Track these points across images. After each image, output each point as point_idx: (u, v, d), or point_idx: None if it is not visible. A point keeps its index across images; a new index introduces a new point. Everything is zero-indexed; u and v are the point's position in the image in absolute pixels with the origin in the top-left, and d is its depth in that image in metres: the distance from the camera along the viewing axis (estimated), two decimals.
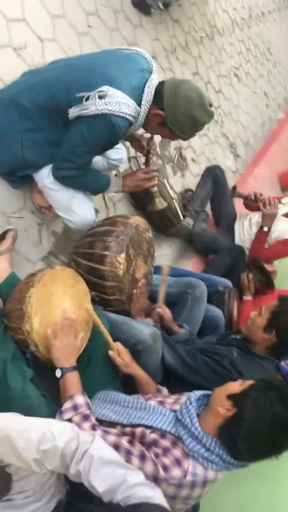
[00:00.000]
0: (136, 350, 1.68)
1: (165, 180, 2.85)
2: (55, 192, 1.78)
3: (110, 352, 1.63)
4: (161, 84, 1.67)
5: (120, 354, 1.62)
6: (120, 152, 2.15)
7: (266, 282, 2.69)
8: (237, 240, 3.00)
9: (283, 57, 6.03)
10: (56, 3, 2.40)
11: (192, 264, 2.85)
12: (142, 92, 1.63)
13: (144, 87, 1.64)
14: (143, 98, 1.63)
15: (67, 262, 2.13)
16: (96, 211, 2.33)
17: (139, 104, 1.62)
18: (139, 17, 3.12)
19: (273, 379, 1.46)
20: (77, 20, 2.52)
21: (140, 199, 2.53)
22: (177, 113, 1.66)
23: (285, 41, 6.28)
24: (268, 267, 2.82)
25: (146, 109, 1.65)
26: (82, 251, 1.87)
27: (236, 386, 1.36)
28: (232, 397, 1.33)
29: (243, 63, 4.72)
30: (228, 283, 2.47)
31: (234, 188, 3.11)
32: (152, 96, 1.65)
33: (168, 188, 2.77)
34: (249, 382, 1.37)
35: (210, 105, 1.69)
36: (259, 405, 1.29)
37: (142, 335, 1.68)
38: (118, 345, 1.63)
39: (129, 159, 2.68)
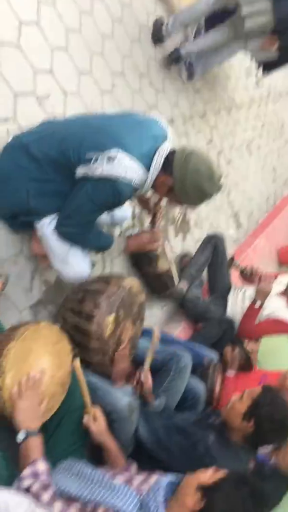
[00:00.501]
0: (110, 419, 1.61)
1: (166, 242, 2.86)
2: (53, 242, 1.77)
3: (85, 417, 1.55)
4: (172, 153, 1.69)
5: (96, 420, 1.54)
6: (125, 209, 2.15)
7: (248, 361, 2.64)
8: (229, 312, 2.97)
9: None
10: (85, 59, 2.48)
11: (181, 329, 2.80)
12: (152, 159, 1.65)
13: (154, 153, 1.66)
14: (152, 164, 1.65)
15: (54, 313, 2.09)
16: (93, 264, 2.31)
17: (148, 170, 1.64)
18: (163, 83, 3.22)
19: (247, 474, 1.39)
20: (103, 78, 2.60)
21: (138, 258, 2.52)
22: (185, 184, 1.67)
23: None
24: (251, 345, 2.77)
25: (154, 176, 1.67)
26: (71, 306, 1.83)
27: (207, 477, 1.28)
28: (202, 488, 1.25)
29: (256, 137, 4.86)
30: (214, 356, 2.41)
31: (232, 259, 3.11)
32: (161, 164, 1.67)
33: (168, 249, 2.77)
34: (222, 473, 1.29)
35: (219, 178, 1.70)
36: (230, 502, 1.21)
37: (118, 404, 1.61)
38: (96, 411, 1.56)
39: (133, 216, 2.69)
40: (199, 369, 2.28)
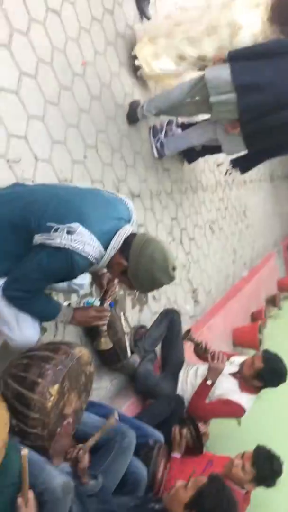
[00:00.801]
0: (42, 500, 1.50)
1: (122, 313, 2.84)
2: (1, 303, 1.72)
3: (19, 500, 1.44)
4: (132, 236, 1.72)
5: (27, 505, 1.44)
6: (83, 277, 2.15)
7: (196, 444, 2.56)
8: (179, 389, 2.92)
9: (255, 222, 6.51)
10: (60, 130, 2.57)
11: (128, 405, 2.71)
12: (112, 238, 1.67)
13: (115, 234, 1.68)
14: (110, 243, 1.67)
15: None
16: (44, 329, 2.26)
17: (105, 248, 1.65)
18: (134, 159, 3.36)
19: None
20: (75, 149, 2.69)
21: (92, 328, 2.48)
22: (138, 269, 1.69)
23: (259, 208, 6.86)
24: (202, 427, 2.71)
25: (111, 255, 1.68)
26: (15, 372, 1.76)
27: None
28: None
29: (219, 218, 5.05)
30: (160, 437, 2.33)
31: (189, 331, 3.11)
32: (120, 245, 1.69)
33: (123, 321, 2.75)
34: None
35: (174, 269, 1.73)
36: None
37: (53, 483, 1.51)
38: (30, 494, 1.46)
39: (92, 284, 2.68)
40: (143, 450, 2.19)
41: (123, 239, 1.69)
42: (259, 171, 7.08)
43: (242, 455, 2.45)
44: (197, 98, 3.18)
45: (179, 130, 3.76)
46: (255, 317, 5.16)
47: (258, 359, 2.84)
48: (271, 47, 2.92)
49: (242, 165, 3.92)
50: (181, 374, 2.96)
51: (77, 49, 2.81)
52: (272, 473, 2.39)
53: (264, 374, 2.80)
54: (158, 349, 3.07)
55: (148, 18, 3.61)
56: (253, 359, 2.87)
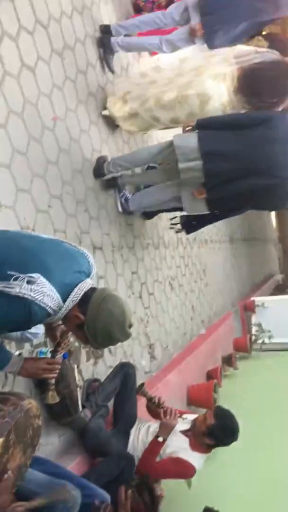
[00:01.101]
0: None
1: (76, 365, 2.79)
2: None
3: None
4: (91, 290, 1.72)
5: None
6: (38, 327, 2.11)
7: (150, 507, 2.46)
8: (130, 447, 2.84)
9: (214, 281, 6.65)
10: (26, 179, 2.62)
11: (76, 463, 2.60)
12: (72, 291, 1.67)
13: (75, 287, 1.68)
14: (70, 296, 1.66)
15: None
16: None
17: (64, 300, 1.64)
18: (98, 212, 3.43)
19: None
20: (40, 198, 2.72)
21: (42, 380, 2.41)
22: (96, 324, 1.69)
23: (218, 269, 7.03)
24: (157, 488, 2.62)
25: (69, 307, 1.67)
26: None
27: None
28: None
29: (179, 275, 5.13)
30: (107, 497, 2.24)
31: (142, 385, 3.07)
32: (79, 298, 1.69)
33: (76, 373, 2.69)
34: None
35: (130, 326, 1.75)
36: None
37: None
38: None
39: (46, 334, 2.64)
40: (89, 511, 2.09)
41: (82, 292, 1.69)
42: (219, 232, 7.33)
43: None
44: (166, 163, 3.35)
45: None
46: (211, 375, 5.15)
47: (210, 416, 2.82)
48: (241, 119, 3.13)
49: (190, 225, 4.07)
50: (133, 431, 2.89)
51: (49, 104, 2.91)
52: None
53: (215, 431, 2.77)
54: (110, 404, 3.01)
55: (112, 72, 3.79)
56: (205, 415, 2.85)
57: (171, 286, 4.84)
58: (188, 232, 4.21)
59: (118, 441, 2.79)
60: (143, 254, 4.18)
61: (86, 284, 1.71)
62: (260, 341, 7.07)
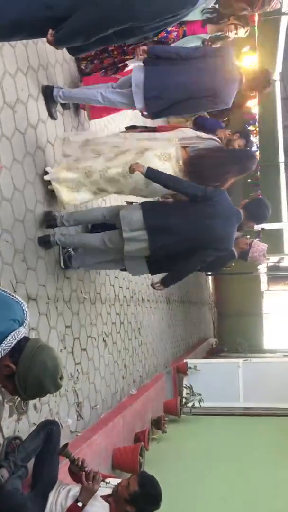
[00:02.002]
0: None
1: None
2: None
3: None
4: (25, 340, 1.70)
5: None
6: None
7: None
8: (47, 511, 2.68)
9: (148, 341, 6.66)
10: None
11: None
12: (4, 339, 1.65)
13: (8, 335, 1.66)
14: (1, 345, 1.63)
15: None
16: None
17: None
18: (36, 262, 3.40)
19: None
20: None
21: None
22: (28, 374, 1.66)
23: (153, 328, 7.07)
24: None
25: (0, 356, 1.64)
26: None
27: None
28: None
29: (113, 332, 5.11)
30: None
31: (66, 445, 2.94)
32: (11, 347, 1.66)
33: None
34: None
35: (61, 378, 1.73)
36: None
37: None
38: None
39: None
40: None
41: (15, 341, 1.66)
42: (157, 291, 7.43)
43: None
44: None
45: None
46: (138, 438, 5.03)
47: (133, 482, 2.74)
48: (189, 192, 3.35)
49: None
50: (52, 494, 2.73)
51: None
52: None
53: (138, 498, 2.69)
54: (31, 463, 2.86)
55: (55, 119, 3.80)
56: (129, 481, 2.76)
57: (105, 343, 4.79)
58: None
59: (35, 504, 2.62)
60: (78, 308, 4.15)
61: (19, 333, 1.69)
62: (190, 404, 7.05)
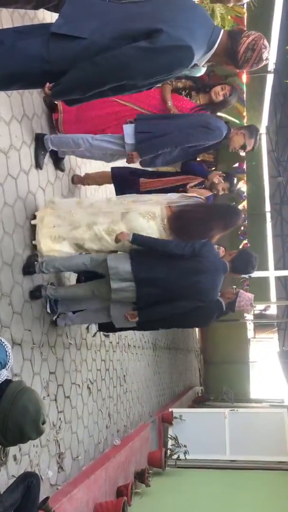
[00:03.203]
0: None
1: None
2: None
3: None
4: (6, 382, 1.70)
5: None
6: None
7: None
8: None
9: (134, 388, 6.52)
10: None
11: None
12: None
13: None
14: None
15: None
16: None
17: None
18: (23, 307, 3.36)
19: None
20: None
21: None
22: (8, 419, 1.66)
23: (139, 375, 6.94)
24: None
25: None
26: None
27: None
28: None
29: (98, 379, 5.00)
30: None
31: (46, 499, 2.82)
32: None
33: None
34: None
35: (43, 423, 1.69)
36: None
37: None
38: None
39: None
40: None
41: None
42: (143, 338, 7.35)
43: None
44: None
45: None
46: (121, 492, 4.83)
47: None
48: (176, 252, 3.41)
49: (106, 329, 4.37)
50: None
51: None
52: None
53: None
54: None
55: (41, 168, 3.75)
56: None
57: (89, 390, 4.67)
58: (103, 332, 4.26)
59: None
60: (63, 353, 4.07)
61: (0, 376, 1.68)
62: (175, 456, 6.84)
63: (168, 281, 3.40)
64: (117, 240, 3.39)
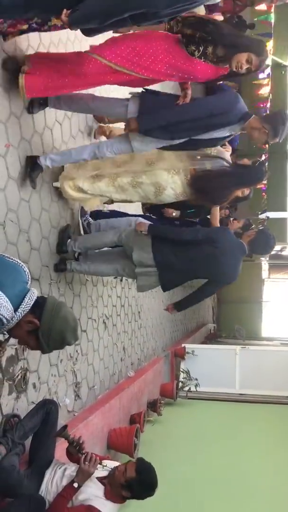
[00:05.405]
0: None
1: None
2: None
3: None
4: (42, 298, 1.90)
5: None
6: None
7: None
8: (42, 489, 2.72)
9: (148, 324, 6.69)
10: None
11: None
12: (21, 301, 1.81)
13: (24, 297, 1.83)
14: (21, 306, 1.81)
15: None
16: None
17: (15, 310, 1.77)
18: (40, 242, 3.40)
19: None
20: None
21: None
22: (51, 329, 1.85)
23: (153, 312, 7.09)
24: None
25: (20, 316, 1.80)
26: None
27: None
28: None
29: (114, 315, 5.13)
30: None
31: (65, 427, 2.98)
32: (30, 307, 1.83)
33: None
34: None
35: (78, 330, 1.95)
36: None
37: None
38: None
39: None
40: None
41: (32, 302, 1.84)
42: None
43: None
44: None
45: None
46: (134, 420, 5.09)
47: (131, 468, 2.78)
48: (189, 238, 3.49)
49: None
50: (48, 473, 2.78)
51: None
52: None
53: (134, 485, 2.73)
54: (28, 441, 2.90)
55: (34, 188, 3.27)
56: (126, 466, 2.80)
57: (104, 325, 4.81)
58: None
59: (31, 482, 2.67)
60: (80, 289, 4.16)
61: (34, 294, 1.86)
62: (186, 388, 7.11)
63: (189, 267, 3.54)
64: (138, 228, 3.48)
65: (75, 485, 2.66)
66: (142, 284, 3.61)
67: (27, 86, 2.76)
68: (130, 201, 3.83)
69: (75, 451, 2.84)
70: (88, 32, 2.05)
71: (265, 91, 8.92)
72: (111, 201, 4.16)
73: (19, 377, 3.12)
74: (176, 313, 4.03)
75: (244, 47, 2.71)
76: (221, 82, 3.42)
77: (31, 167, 3.17)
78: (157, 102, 3.18)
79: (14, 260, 1.95)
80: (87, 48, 2.77)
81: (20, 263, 1.93)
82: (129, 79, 2.84)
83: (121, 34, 2.80)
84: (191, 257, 3.49)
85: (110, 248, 3.89)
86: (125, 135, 3.27)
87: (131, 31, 2.72)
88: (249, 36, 3.16)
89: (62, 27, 2.36)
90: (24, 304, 1.81)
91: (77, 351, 4.09)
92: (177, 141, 3.19)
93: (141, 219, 3.93)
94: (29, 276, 1.95)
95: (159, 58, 2.70)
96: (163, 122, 3.08)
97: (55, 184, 3.58)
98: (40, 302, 1.88)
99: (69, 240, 3.67)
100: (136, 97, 3.20)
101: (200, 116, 3.06)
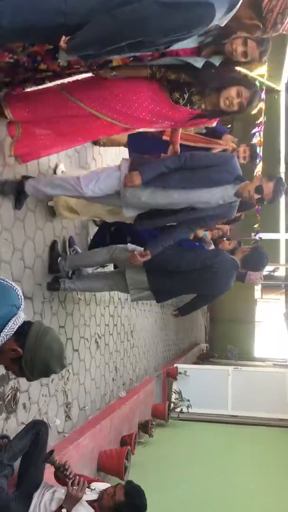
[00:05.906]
0: None
1: None
2: None
3: None
4: (27, 324, 1.77)
5: None
6: None
7: None
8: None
9: (140, 344, 6.66)
10: None
11: None
12: (5, 325, 1.69)
13: (9, 320, 1.71)
14: (4, 330, 1.69)
15: None
16: None
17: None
18: (34, 261, 3.40)
19: None
20: None
21: None
22: (35, 358, 1.74)
23: (146, 331, 7.08)
24: None
25: (3, 341, 1.69)
26: None
27: None
28: None
29: (106, 334, 5.11)
30: None
31: (51, 452, 2.93)
32: (13, 332, 1.72)
33: None
34: None
35: (65, 358, 1.83)
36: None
37: None
38: None
39: None
40: None
41: (17, 326, 1.72)
42: None
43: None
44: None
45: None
46: (125, 441, 5.03)
47: (119, 491, 2.74)
48: (187, 269, 3.50)
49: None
50: (36, 495, 2.73)
51: None
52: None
53: (123, 508, 2.69)
54: (17, 463, 2.85)
55: (19, 209, 3.18)
56: (115, 489, 2.76)
57: (97, 344, 4.79)
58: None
59: (19, 505, 2.62)
60: (73, 308, 4.15)
61: (20, 318, 1.75)
62: (178, 409, 7.05)
63: (184, 289, 3.79)
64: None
65: (64, 510, 2.61)
66: (136, 297, 3.68)
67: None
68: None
69: (62, 476, 2.80)
70: (84, 59, 2.09)
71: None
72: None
73: (9, 397, 3.09)
74: (180, 317, 4.44)
75: (233, 82, 2.62)
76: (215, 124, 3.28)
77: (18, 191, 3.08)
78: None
79: (7, 282, 1.85)
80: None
81: (13, 286, 1.84)
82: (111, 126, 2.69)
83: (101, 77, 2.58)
84: (187, 281, 3.57)
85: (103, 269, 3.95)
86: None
87: (113, 73, 2.50)
88: (237, 72, 2.98)
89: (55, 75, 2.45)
90: (8, 328, 1.69)
91: (68, 370, 4.06)
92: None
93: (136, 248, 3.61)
94: (22, 300, 1.84)
95: (143, 106, 2.57)
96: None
97: (50, 203, 3.61)
98: (25, 329, 1.76)
99: (59, 258, 3.66)
100: (125, 159, 3.19)
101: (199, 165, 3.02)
